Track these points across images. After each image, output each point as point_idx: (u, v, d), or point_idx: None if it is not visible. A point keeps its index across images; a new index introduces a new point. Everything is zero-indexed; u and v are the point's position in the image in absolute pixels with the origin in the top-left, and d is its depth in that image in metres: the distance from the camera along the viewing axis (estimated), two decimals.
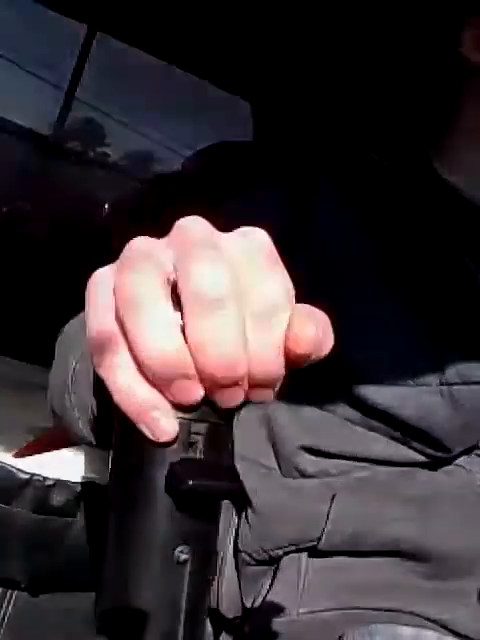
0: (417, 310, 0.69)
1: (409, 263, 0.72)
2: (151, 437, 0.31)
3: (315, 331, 0.32)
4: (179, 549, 0.32)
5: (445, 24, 0.77)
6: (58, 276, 3.26)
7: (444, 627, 0.70)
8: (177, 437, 0.31)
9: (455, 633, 0.69)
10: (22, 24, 3.27)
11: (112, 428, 0.36)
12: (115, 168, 3.93)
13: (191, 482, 0.31)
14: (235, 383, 0.31)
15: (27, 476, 0.78)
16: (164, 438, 0.31)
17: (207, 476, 0.31)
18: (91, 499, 0.82)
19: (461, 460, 0.72)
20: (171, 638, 0.32)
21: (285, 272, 0.32)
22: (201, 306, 0.30)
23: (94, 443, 0.52)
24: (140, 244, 0.34)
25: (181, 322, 0.31)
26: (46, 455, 0.85)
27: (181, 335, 0.31)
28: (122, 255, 0.33)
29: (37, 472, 0.79)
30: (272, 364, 0.31)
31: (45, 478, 0.79)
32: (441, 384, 0.68)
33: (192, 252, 0.32)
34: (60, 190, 3.72)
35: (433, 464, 0.72)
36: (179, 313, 0.31)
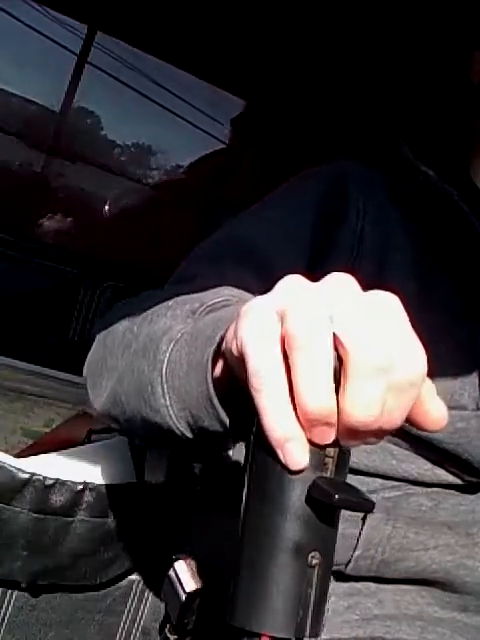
0: (455, 331, 0.67)
1: (446, 279, 0.70)
2: (284, 462, 0.37)
3: (442, 411, 0.38)
4: (311, 554, 0.37)
5: (457, 55, 0.77)
6: (59, 278, 3.27)
7: None
8: (307, 465, 0.37)
9: None
10: (22, 24, 3.27)
11: (215, 427, 0.45)
12: (115, 168, 3.92)
13: (337, 497, 0.36)
14: (366, 434, 0.37)
15: (27, 476, 0.78)
16: (295, 467, 0.37)
17: (344, 492, 0.37)
18: (91, 499, 0.82)
19: None
20: (301, 630, 0.37)
21: (422, 347, 0.37)
22: (365, 373, 0.35)
23: (185, 435, 0.50)
24: (304, 287, 0.38)
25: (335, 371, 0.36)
26: (46, 455, 0.85)
27: (334, 387, 0.36)
28: (286, 293, 0.38)
29: (37, 472, 0.79)
30: (397, 423, 0.37)
31: (45, 478, 0.79)
32: (478, 408, 0.66)
33: (359, 319, 0.36)
34: (60, 190, 3.72)
35: (466, 488, 0.69)
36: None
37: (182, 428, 0.49)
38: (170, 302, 0.56)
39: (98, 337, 0.63)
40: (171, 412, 0.49)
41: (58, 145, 3.67)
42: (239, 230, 0.74)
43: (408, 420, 0.38)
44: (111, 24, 3.25)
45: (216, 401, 0.45)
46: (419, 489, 0.69)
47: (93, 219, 3.72)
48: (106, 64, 3.48)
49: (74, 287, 3.27)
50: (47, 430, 1.84)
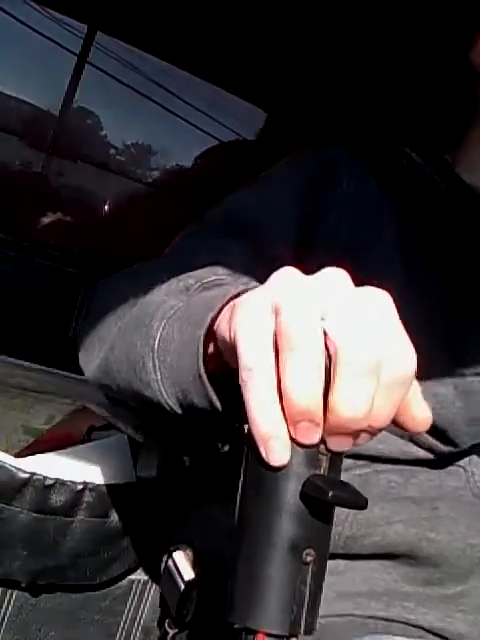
0: (436, 302, 0.69)
1: (428, 256, 0.72)
2: (266, 459, 0.36)
3: (427, 413, 0.38)
4: (306, 551, 0.37)
5: (458, 36, 0.78)
6: (59, 278, 3.27)
7: (440, 635, 0.70)
8: (301, 462, 0.37)
9: None
10: (22, 24, 3.27)
11: (204, 405, 0.45)
12: (115, 168, 3.92)
13: (331, 494, 0.36)
14: (353, 434, 0.36)
15: (27, 475, 0.78)
16: (276, 463, 0.36)
17: (338, 489, 0.37)
18: (91, 499, 0.82)
19: (461, 460, 0.71)
20: (296, 626, 0.37)
21: (412, 346, 0.37)
22: (354, 373, 0.35)
23: (174, 410, 0.51)
24: (299, 282, 0.39)
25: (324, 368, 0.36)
26: (46, 455, 0.85)
27: (322, 385, 0.36)
28: (280, 287, 0.38)
29: (37, 472, 0.79)
30: (384, 422, 0.37)
31: (45, 478, 0.79)
32: (455, 376, 0.67)
33: (351, 318, 0.36)
34: (60, 190, 3.72)
35: (436, 463, 0.71)
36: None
37: (171, 403, 0.50)
38: (164, 276, 0.57)
39: (93, 305, 0.65)
40: (161, 387, 0.50)
41: (58, 145, 3.66)
42: (230, 206, 0.76)
43: (393, 421, 0.38)
44: (111, 24, 3.24)
45: (206, 380, 0.45)
46: (389, 466, 0.70)
47: (93, 219, 3.72)
48: (106, 64, 3.48)
49: (74, 287, 3.27)
50: (47, 427, 1.84)
